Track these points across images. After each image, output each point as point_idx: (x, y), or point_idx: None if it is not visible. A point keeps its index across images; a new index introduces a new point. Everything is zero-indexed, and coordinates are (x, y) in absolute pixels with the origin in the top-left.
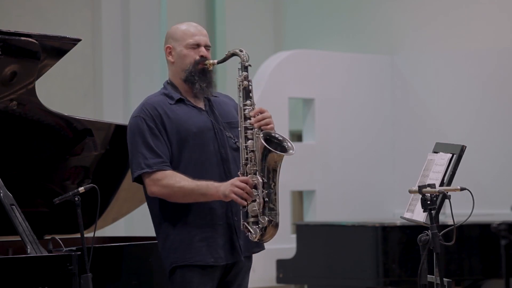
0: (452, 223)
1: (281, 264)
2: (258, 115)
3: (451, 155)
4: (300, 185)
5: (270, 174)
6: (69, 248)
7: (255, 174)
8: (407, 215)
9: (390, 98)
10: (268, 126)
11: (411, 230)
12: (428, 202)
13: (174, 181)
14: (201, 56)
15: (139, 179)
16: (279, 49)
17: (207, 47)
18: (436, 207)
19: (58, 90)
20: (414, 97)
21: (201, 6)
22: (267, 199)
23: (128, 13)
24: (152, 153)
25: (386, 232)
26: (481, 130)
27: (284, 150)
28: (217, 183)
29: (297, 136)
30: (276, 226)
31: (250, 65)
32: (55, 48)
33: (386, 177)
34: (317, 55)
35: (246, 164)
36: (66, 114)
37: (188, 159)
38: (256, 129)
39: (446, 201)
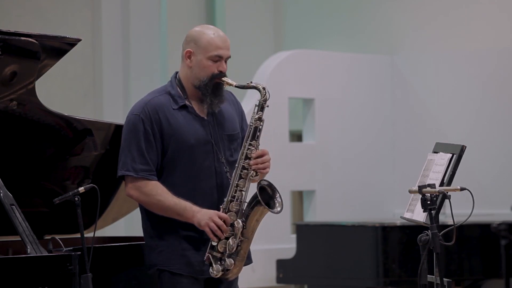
0: (452, 223)
1: (281, 264)
2: (258, 158)
3: (451, 155)
4: (300, 185)
5: (251, 223)
6: (69, 248)
7: (236, 213)
8: (407, 215)
9: (390, 98)
10: (264, 170)
11: (411, 230)
12: (428, 202)
13: (155, 192)
14: (220, 72)
15: (121, 177)
16: (279, 49)
17: (227, 59)
18: (436, 207)
19: (58, 90)
20: (414, 97)
21: (201, 6)
22: (240, 246)
23: (128, 13)
24: (141, 158)
25: (386, 232)
26: (481, 130)
27: (272, 205)
28: (196, 207)
29: (297, 136)
30: (239, 268)
31: (268, 106)
32: (55, 48)
33: (386, 177)
34: (317, 55)
35: (231, 201)
36: (66, 114)
37: (182, 169)
38: (252, 172)
39: (446, 201)
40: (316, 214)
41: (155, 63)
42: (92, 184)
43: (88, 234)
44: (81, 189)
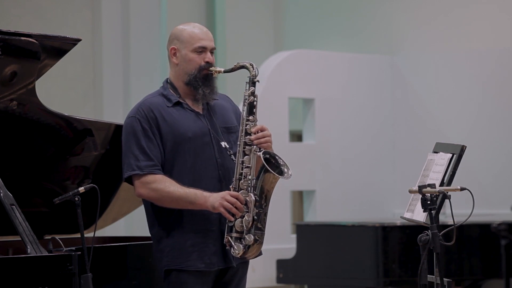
0: (452, 223)
1: (281, 264)
2: (259, 132)
3: (451, 155)
4: (300, 185)
5: (264, 194)
6: (69, 248)
7: (247, 190)
8: (407, 215)
9: (390, 98)
10: (266, 145)
11: (411, 230)
12: (428, 202)
13: (163, 185)
14: (207, 62)
15: (129, 179)
16: (279, 49)
17: (212, 50)
18: (436, 207)
19: (58, 90)
20: (414, 97)
21: (201, 6)
22: (256, 218)
23: (128, 13)
24: (144, 155)
25: (386, 232)
26: (481, 130)
27: (281, 173)
28: (206, 192)
29: (297, 136)
30: (260, 244)
31: (258, 81)
32: (55, 48)
33: (386, 177)
34: (317, 55)
35: (239, 179)
36: (66, 114)
37: (182, 163)
38: (254, 146)
39: (446, 201)
40: (316, 214)
41: (155, 63)
42: (92, 184)
43: (88, 234)
44: (81, 189)
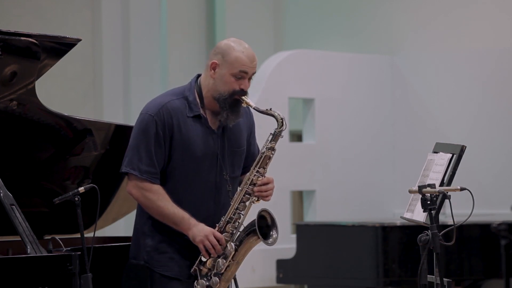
0: (452, 223)
1: (281, 264)
2: (263, 185)
3: (451, 155)
4: (300, 185)
5: (243, 249)
6: (69, 248)
7: (231, 234)
8: (407, 215)
9: (390, 98)
10: (266, 198)
11: (411, 230)
12: (428, 202)
13: (156, 197)
14: (241, 89)
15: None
16: (279, 49)
17: (252, 76)
18: (436, 207)
19: (58, 90)
20: (414, 97)
21: (201, 6)
22: (228, 267)
23: (128, 13)
24: (148, 160)
25: (386, 232)
26: (481, 130)
27: (267, 235)
28: (193, 220)
29: (297, 136)
30: (226, 284)
31: (282, 136)
32: (55, 48)
33: (386, 177)
34: (317, 55)
35: (228, 222)
36: (66, 114)
37: (184, 178)
38: (254, 198)
39: (446, 201)
40: (316, 214)
41: (155, 63)
42: (92, 184)
43: (88, 234)
44: (81, 189)
